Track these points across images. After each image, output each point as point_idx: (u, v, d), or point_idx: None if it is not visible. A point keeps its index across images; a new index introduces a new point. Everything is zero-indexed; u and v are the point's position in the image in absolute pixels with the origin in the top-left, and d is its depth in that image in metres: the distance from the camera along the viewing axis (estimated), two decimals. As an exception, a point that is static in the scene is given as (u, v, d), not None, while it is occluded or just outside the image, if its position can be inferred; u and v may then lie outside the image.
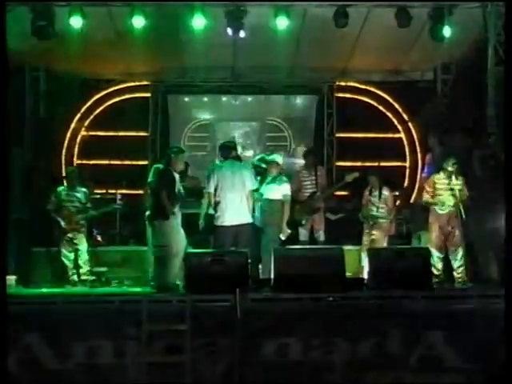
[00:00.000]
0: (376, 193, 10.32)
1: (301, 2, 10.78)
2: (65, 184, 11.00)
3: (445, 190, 9.30)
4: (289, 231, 9.31)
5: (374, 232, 10.23)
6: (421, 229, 10.22)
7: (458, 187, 9.25)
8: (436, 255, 9.10)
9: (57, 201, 10.21)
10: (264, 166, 9.81)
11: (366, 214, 10.33)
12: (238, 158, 9.71)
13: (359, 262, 10.06)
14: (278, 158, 9.79)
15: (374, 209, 10.31)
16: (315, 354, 6.72)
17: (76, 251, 10.12)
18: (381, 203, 10.29)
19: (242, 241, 8.64)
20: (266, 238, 9.17)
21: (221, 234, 8.75)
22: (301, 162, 11.78)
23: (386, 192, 10.35)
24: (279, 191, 9.36)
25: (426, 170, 10.79)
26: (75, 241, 10.12)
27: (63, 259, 10.10)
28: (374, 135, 14.24)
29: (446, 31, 10.59)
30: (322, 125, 14.35)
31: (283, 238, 9.21)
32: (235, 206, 8.73)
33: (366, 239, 10.29)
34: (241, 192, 8.79)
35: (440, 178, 9.41)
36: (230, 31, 10.73)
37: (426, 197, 9.50)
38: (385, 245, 10.18)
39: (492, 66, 10.79)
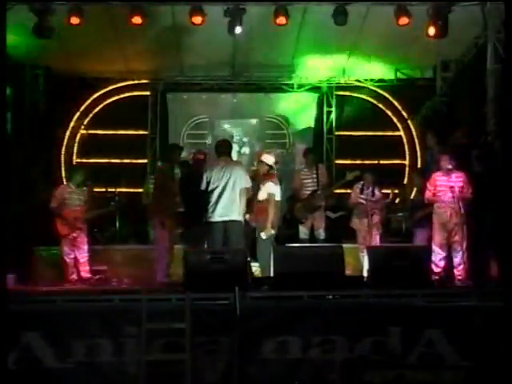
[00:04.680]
0: (368, 191, 10.39)
1: (301, 0, 10.78)
2: (65, 182, 11.00)
3: (445, 188, 9.29)
4: (272, 232, 9.15)
5: (366, 229, 10.29)
6: (417, 226, 10.27)
7: (458, 184, 9.25)
8: (438, 253, 9.09)
9: (60, 198, 10.17)
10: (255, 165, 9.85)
11: (356, 212, 10.40)
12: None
13: (357, 261, 10.07)
14: (268, 157, 9.78)
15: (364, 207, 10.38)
16: (315, 352, 6.71)
17: (77, 250, 10.09)
18: (372, 201, 10.36)
19: (231, 237, 8.70)
20: (259, 237, 9.25)
21: (211, 230, 8.81)
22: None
23: (377, 192, 10.48)
24: (264, 191, 9.35)
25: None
26: (77, 239, 10.10)
27: (64, 258, 10.06)
28: (373, 133, 14.26)
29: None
30: (322, 123, 14.37)
31: (264, 238, 9.07)
32: (224, 202, 8.79)
33: (361, 237, 10.34)
34: (231, 189, 8.83)
35: (440, 176, 9.41)
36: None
37: (428, 195, 9.52)
38: (377, 242, 10.29)
39: (491, 64, 10.80)
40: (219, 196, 8.81)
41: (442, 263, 9.16)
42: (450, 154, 9.41)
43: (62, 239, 10.11)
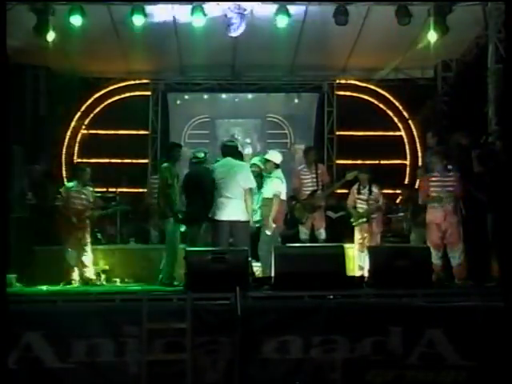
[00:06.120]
0: (365, 190, 10.40)
1: (301, 0, 10.78)
2: (66, 182, 10.98)
3: (440, 187, 9.29)
4: (273, 226, 9.32)
5: (366, 229, 10.27)
6: (417, 226, 10.26)
7: (453, 184, 9.26)
8: (434, 253, 9.06)
9: (67, 197, 10.15)
10: (262, 166, 9.85)
11: (357, 214, 10.38)
12: (240, 156, 9.71)
13: (353, 260, 10.07)
14: (273, 155, 9.79)
15: (365, 206, 10.35)
16: (316, 352, 6.71)
17: (81, 250, 10.07)
18: (370, 200, 10.35)
19: (237, 236, 8.69)
20: (262, 236, 9.26)
21: (217, 228, 8.80)
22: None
23: (375, 189, 10.43)
24: (271, 189, 9.40)
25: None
26: (82, 239, 10.08)
27: (68, 258, 10.03)
28: (374, 133, 14.26)
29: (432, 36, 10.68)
30: (323, 122, 14.38)
31: (268, 233, 9.27)
32: (230, 202, 8.78)
33: (358, 237, 10.33)
34: (236, 190, 8.82)
35: (434, 176, 9.42)
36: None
37: (422, 195, 9.52)
38: (378, 241, 10.25)
39: (492, 64, 10.80)
40: (226, 196, 8.80)
41: (438, 263, 9.14)
42: (442, 154, 9.43)
43: (65, 239, 10.10)
